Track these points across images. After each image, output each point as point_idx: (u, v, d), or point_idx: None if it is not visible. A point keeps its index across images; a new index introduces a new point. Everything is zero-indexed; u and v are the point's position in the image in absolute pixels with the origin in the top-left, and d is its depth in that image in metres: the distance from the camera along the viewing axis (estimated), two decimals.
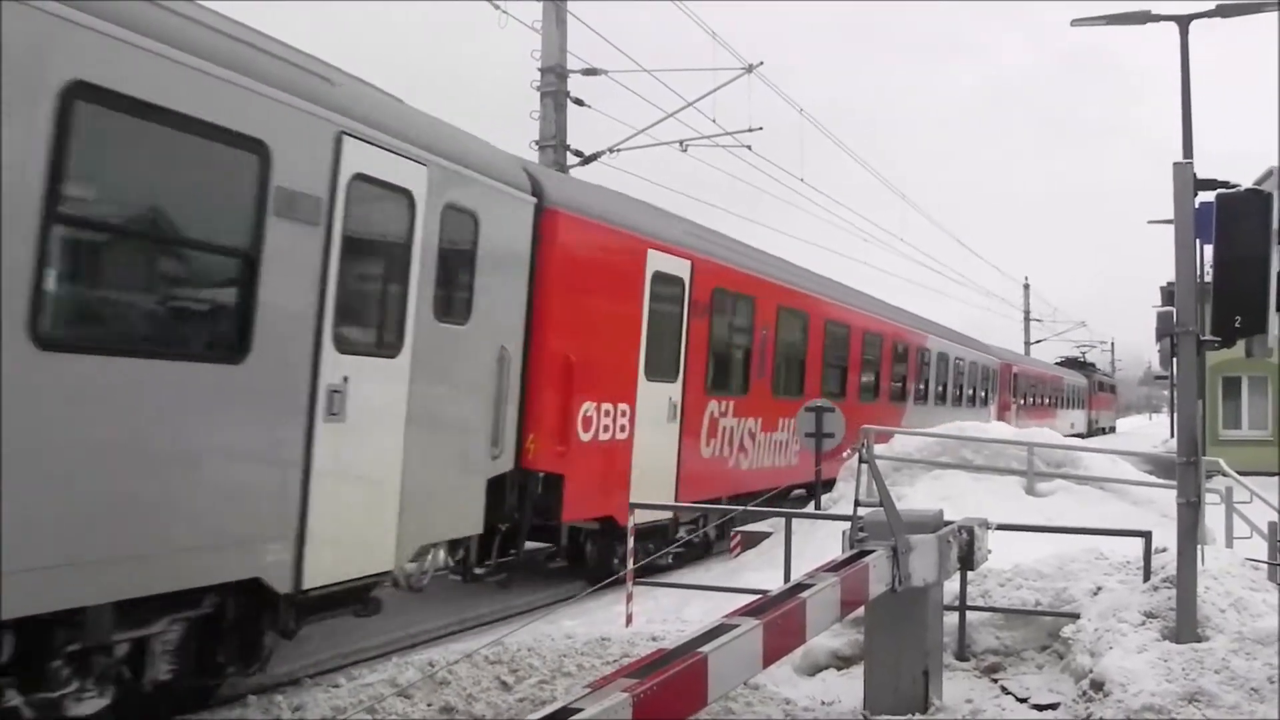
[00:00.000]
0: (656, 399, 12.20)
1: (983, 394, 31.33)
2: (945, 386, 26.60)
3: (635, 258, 11.86)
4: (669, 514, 12.30)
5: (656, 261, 12.17)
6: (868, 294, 21.53)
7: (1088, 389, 58.37)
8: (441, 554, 8.74)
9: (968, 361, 29.18)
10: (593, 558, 11.80)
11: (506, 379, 9.39)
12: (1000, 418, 30.80)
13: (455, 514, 8.86)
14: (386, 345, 7.91)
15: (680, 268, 12.69)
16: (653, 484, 12.00)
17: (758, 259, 15.64)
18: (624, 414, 11.56)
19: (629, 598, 9.41)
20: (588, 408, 10.86)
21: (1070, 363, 61.35)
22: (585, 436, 10.84)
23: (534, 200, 10.05)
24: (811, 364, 17.31)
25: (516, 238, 9.77)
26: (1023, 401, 37.66)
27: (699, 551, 13.52)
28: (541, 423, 10.12)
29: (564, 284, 10.49)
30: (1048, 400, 44.16)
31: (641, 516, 10.83)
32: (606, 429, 11.22)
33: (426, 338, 8.21)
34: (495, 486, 9.41)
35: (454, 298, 8.72)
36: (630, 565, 9.51)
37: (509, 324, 9.64)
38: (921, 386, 24.46)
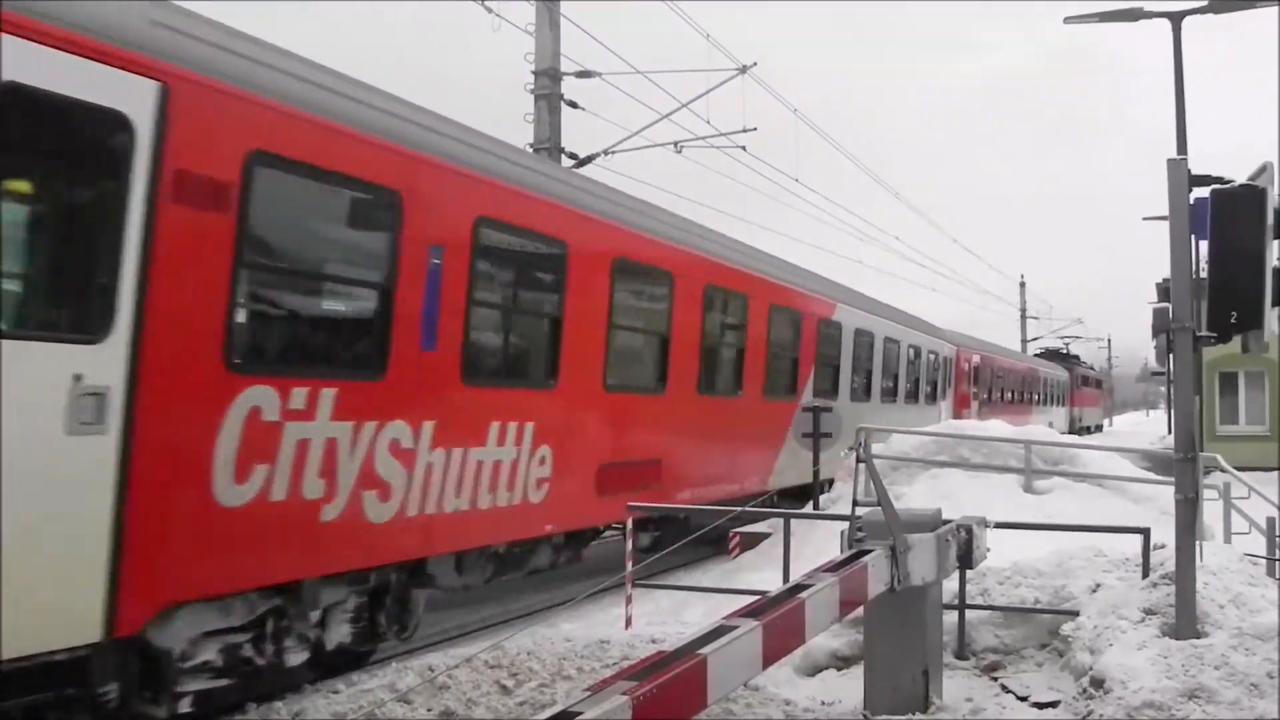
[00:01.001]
0: (16, 382, 5.37)
1: (930, 387, 25.02)
2: (870, 376, 20.03)
3: None
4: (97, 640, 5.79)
5: None
6: (721, 234, 14.35)
7: (1069, 383, 52.14)
8: None
9: (905, 344, 22.40)
10: None
11: None
12: (957, 417, 26.01)
13: None
14: None
15: (113, 88, 5.82)
16: (16, 575, 5.33)
17: (420, 121, 8.41)
18: None
19: (628, 600, 9.40)
20: None
21: (1050, 354, 55.43)
22: None
23: None
24: (580, 331, 10.28)
25: None
26: (987, 396, 32.53)
27: (703, 553, 13.40)
28: None
29: None
30: (1020, 396, 38.84)
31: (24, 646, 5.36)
32: None
33: None
34: None
35: None
36: (629, 568, 9.49)
37: None
38: (827, 374, 17.61)
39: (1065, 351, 59.88)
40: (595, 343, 10.65)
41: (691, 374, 12.70)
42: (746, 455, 14.22)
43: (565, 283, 10.11)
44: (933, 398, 25.28)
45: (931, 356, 25.13)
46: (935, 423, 21.88)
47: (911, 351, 23.05)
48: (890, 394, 21.46)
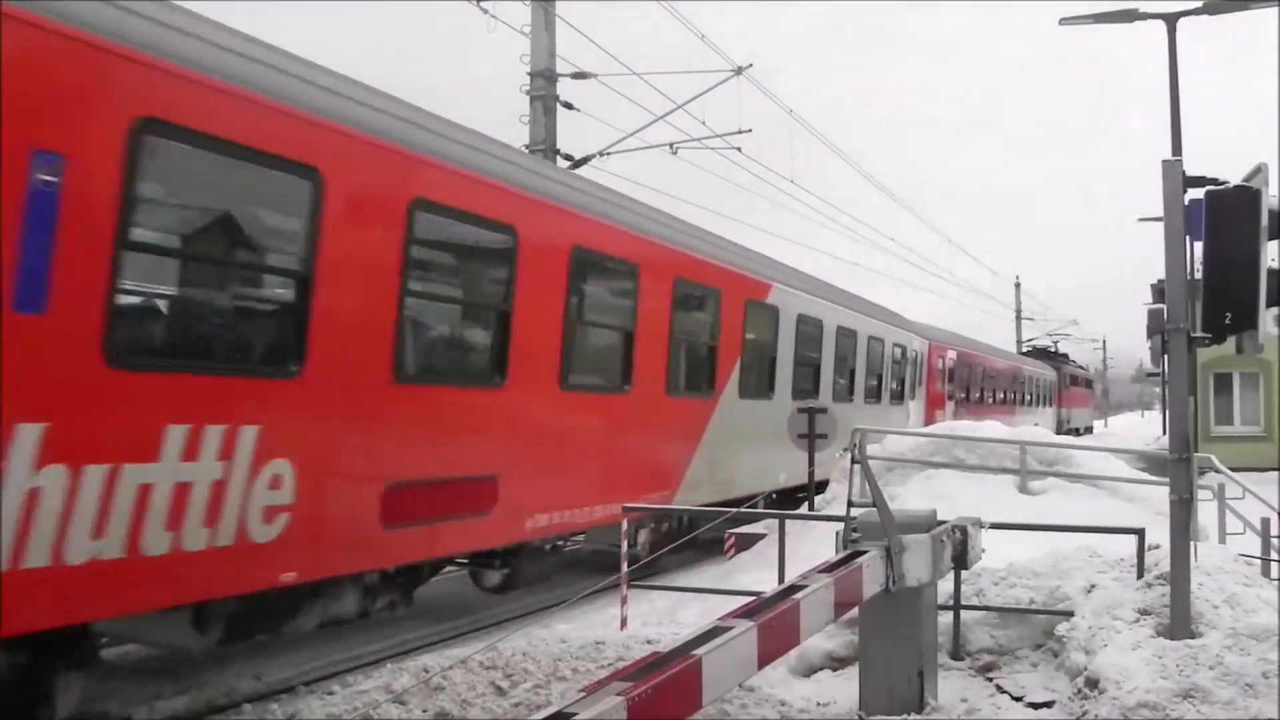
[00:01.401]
0: None
1: (896, 385, 22.42)
2: (818, 370, 17.33)
3: None
4: None
5: None
6: (607, 189, 11.92)
7: (1056, 382, 49.15)
8: None
9: (864, 336, 19.74)
10: None
11: None
12: (930, 418, 24.36)
13: None
14: None
15: None
16: None
17: None
18: None
19: (624, 601, 9.39)
20: None
21: (1038, 353, 53.20)
22: None
23: None
24: (347, 296, 7.31)
25: None
26: (965, 396, 30.42)
27: (693, 556, 13.37)
28: None
29: None
30: (1001, 395, 36.24)
31: None
32: None
33: None
34: None
35: None
36: (624, 569, 9.49)
37: None
38: (759, 367, 15.06)
39: (1053, 349, 57.57)
40: (378, 316, 7.63)
41: (548, 362, 9.79)
42: (637, 467, 11.57)
43: (318, 222, 6.94)
44: (899, 397, 22.80)
45: (898, 351, 22.44)
46: (902, 425, 20.98)
47: (873, 345, 20.37)
48: (846, 392, 18.78)
